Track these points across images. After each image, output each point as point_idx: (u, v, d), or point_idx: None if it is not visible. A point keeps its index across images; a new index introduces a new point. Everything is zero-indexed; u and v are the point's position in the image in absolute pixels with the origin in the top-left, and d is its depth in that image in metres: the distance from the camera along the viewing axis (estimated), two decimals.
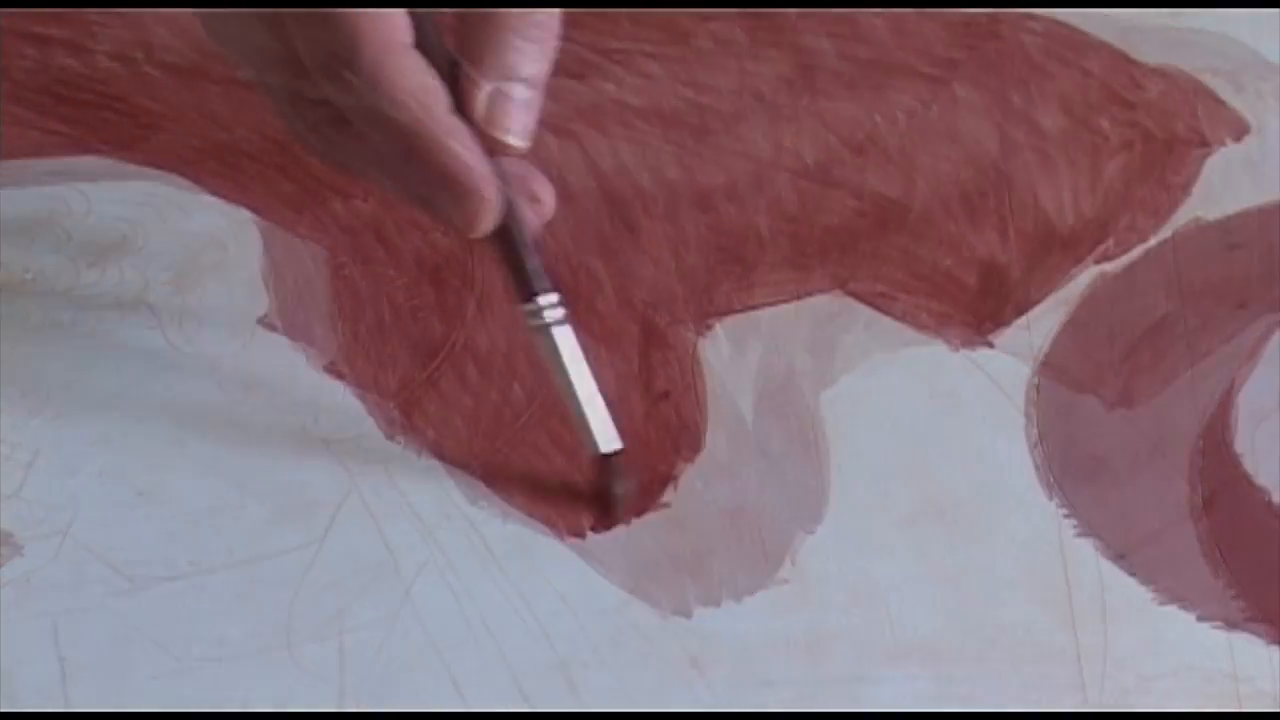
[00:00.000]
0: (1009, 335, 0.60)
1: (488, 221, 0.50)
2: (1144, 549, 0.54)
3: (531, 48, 0.50)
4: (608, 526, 0.55)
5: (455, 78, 0.49)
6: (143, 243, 0.63)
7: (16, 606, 0.53)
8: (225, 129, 0.67)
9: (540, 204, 0.53)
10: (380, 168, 0.51)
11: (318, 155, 0.53)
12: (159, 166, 0.65)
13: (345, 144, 0.51)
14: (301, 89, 0.50)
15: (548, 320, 0.52)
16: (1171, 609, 0.53)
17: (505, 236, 0.51)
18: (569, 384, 0.53)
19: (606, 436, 0.54)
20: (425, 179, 0.50)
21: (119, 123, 0.67)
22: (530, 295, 0.52)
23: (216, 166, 0.65)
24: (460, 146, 0.49)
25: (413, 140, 0.49)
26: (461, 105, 0.49)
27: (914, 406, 0.58)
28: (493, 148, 0.50)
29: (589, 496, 0.55)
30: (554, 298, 0.53)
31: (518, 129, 0.50)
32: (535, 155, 0.65)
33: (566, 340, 0.53)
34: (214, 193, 0.65)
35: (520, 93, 0.50)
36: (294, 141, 0.53)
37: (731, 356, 0.59)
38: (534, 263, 0.52)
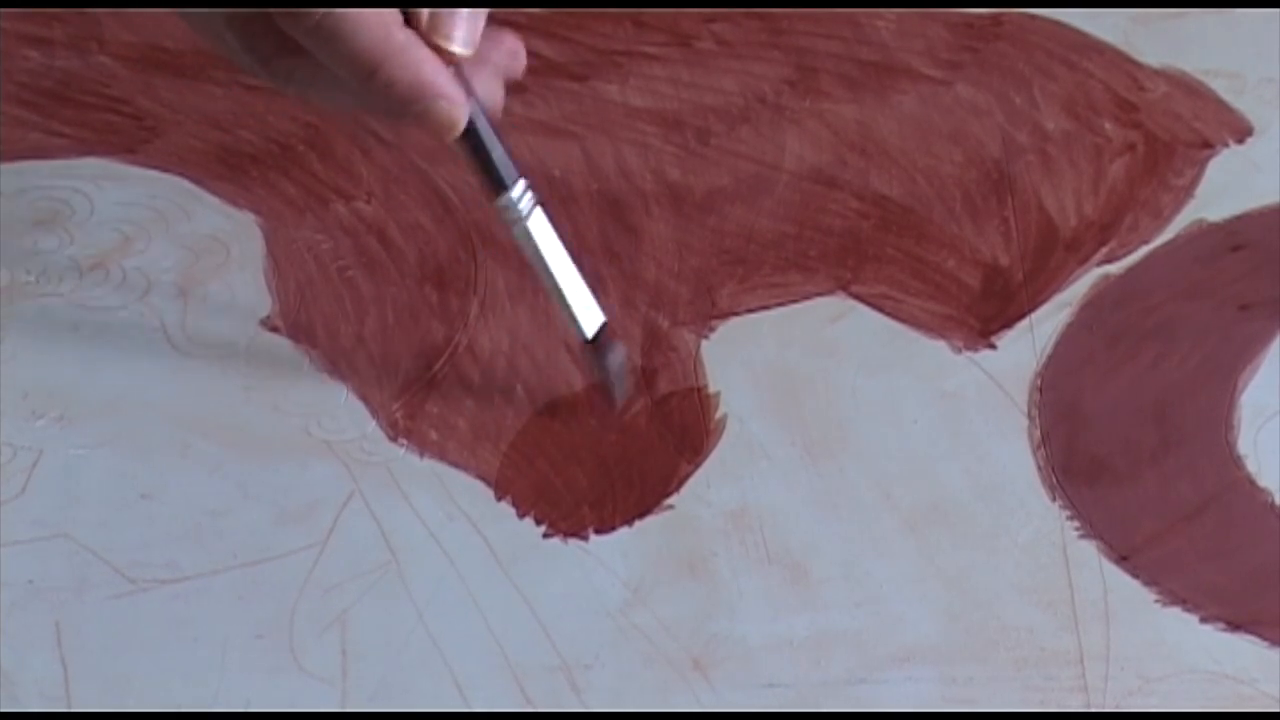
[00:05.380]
0: (1012, 337, 0.60)
1: (460, 121, 0.51)
2: (1147, 551, 0.54)
3: None
4: (613, 412, 0.55)
5: None
6: (145, 245, 0.63)
7: (19, 608, 0.53)
8: (228, 131, 0.67)
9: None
10: (341, 91, 0.51)
11: (274, 86, 0.53)
12: (162, 168, 0.65)
13: (301, 72, 0.51)
14: (254, 19, 0.50)
15: (523, 211, 0.53)
16: (1174, 611, 0.53)
17: (471, 135, 0.52)
18: (547, 270, 0.53)
19: (589, 318, 0.54)
20: (391, 95, 0.50)
21: (122, 125, 0.67)
22: (501, 188, 0.52)
23: (219, 168, 0.65)
24: (421, 57, 0.50)
25: (376, 60, 0.49)
26: (407, 18, 0.50)
27: (917, 408, 0.58)
28: (439, 57, 0.50)
29: (591, 391, 0.55)
30: (523, 185, 0.52)
31: (461, 35, 0.51)
32: (537, 157, 0.65)
33: (541, 227, 0.53)
34: (216, 194, 0.65)
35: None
36: (245, 72, 0.53)
37: (734, 359, 0.59)
38: (500, 155, 0.52)
